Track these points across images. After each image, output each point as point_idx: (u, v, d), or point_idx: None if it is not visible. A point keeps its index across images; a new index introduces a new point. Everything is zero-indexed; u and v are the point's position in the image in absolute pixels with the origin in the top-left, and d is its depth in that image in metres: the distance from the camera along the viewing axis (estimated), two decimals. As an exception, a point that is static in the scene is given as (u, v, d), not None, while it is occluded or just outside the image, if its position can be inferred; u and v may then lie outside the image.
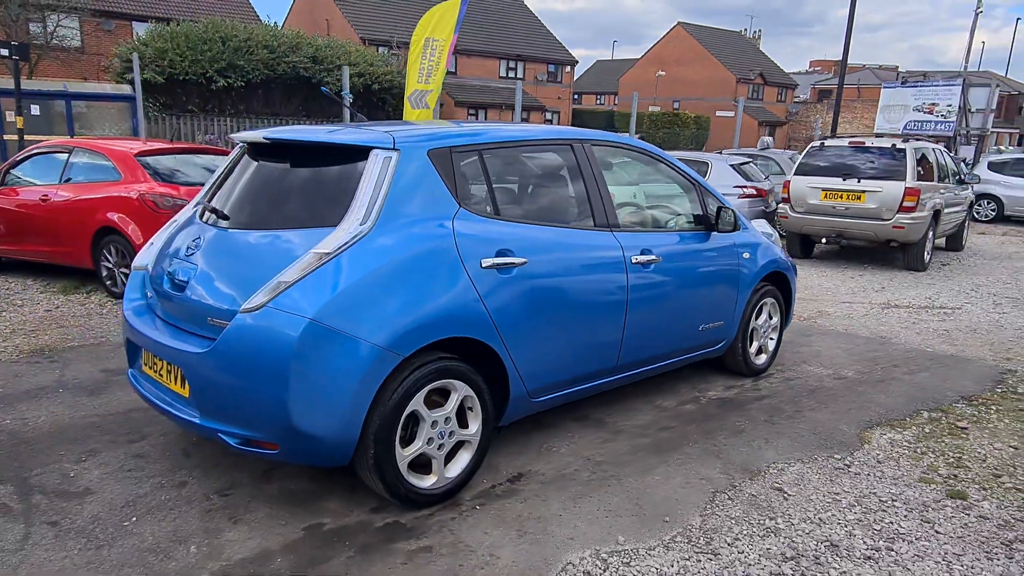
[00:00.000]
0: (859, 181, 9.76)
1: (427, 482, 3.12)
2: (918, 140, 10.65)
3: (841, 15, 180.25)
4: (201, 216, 3.45)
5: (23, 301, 6.71)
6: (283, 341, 2.69)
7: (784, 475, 3.60)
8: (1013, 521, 3.22)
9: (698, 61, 47.97)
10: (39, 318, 6.12)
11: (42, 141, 8.26)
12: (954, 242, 12.11)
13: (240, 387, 2.77)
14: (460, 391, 3.14)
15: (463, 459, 3.25)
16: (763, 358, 5.15)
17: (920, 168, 9.71)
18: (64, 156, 7.32)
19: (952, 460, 3.86)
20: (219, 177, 3.66)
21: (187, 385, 2.98)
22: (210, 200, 3.56)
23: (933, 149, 10.59)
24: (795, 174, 10.42)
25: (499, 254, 3.23)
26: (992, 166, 17.11)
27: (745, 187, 11.05)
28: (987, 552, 2.96)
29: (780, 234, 11.48)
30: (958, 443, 4.09)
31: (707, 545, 2.95)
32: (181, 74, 21.58)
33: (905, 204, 9.43)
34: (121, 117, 20.34)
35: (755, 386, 4.94)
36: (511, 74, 38.59)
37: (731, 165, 11.29)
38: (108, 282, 6.91)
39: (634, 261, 3.86)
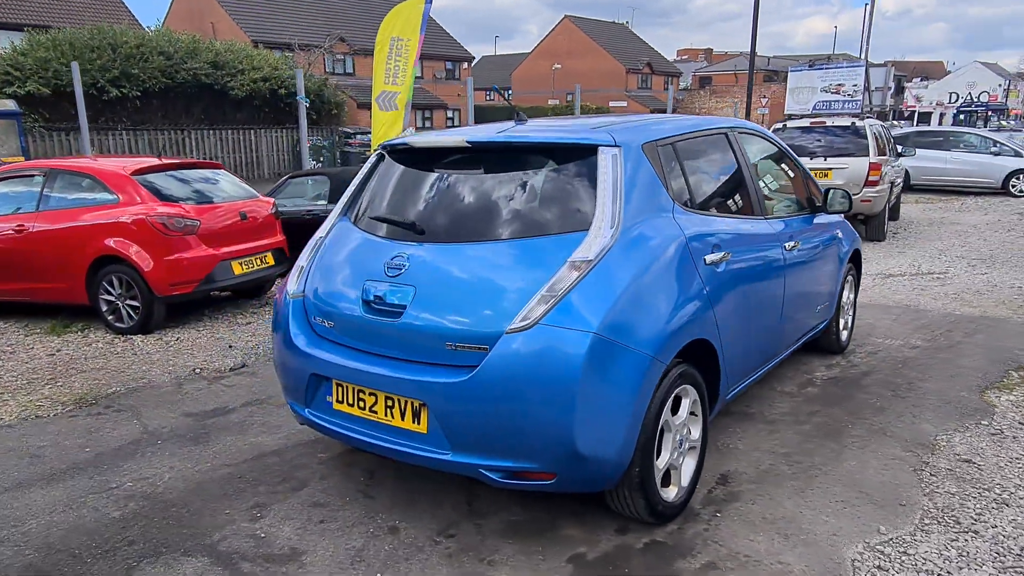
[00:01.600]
0: (825, 159, 10.23)
1: (671, 494, 2.97)
2: (867, 119, 11.29)
3: (698, 5, 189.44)
4: (372, 230, 3.12)
5: (12, 347, 5.89)
6: (568, 360, 2.45)
7: (956, 446, 3.68)
8: None
9: (588, 54, 49.02)
10: (46, 365, 5.39)
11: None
12: (893, 212, 12.95)
13: (513, 416, 2.51)
14: (691, 395, 3.00)
15: (689, 466, 3.11)
16: (846, 334, 5.27)
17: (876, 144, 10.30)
18: (39, 179, 6.49)
19: (1080, 414, 4.08)
20: (367, 187, 3.33)
21: (428, 420, 2.67)
22: (361, 212, 3.24)
23: (881, 126, 11.27)
24: (763, 156, 10.77)
25: (714, 249, 3.11)
26: (896, 140, 18.46)
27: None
28: None
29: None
30: (1068, 397, 4.32)
31: (958, 523, 2.96)
32: (68, 85, 19.79)
33: (870, 178, 9.97)
34: (6, 134, 18.43)
35: (849, 363, 5.05)
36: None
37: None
38: (111, 317, 6.18)
39: (787, 248, 3.85)
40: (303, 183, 8.71)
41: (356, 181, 3.48)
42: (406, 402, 2.74)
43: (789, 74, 20.62)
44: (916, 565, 2.67)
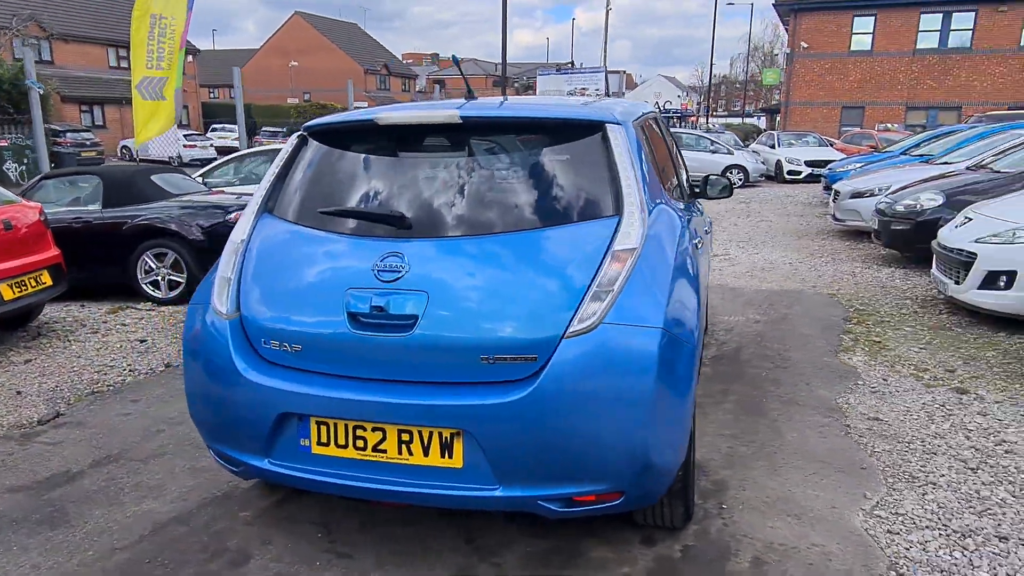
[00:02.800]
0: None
1: (693, 494, 2.81)
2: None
3: (416, 12, 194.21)
4: (330, 227, 2.52)
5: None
6: (641, 361, 2.16)
7: (857, 407, 4.03)
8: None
9: (322, 52, 47.35)
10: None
11: None
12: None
13: (580, 432, 2.15)
14: None
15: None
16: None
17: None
18: None
19: (914, 367, 4.71)
20: (291, 178, 2.71)
21: (464, 451, 2.21)
22: (297, 207, 2.63)
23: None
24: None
25: (692, 235, 3.02)
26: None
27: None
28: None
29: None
30: (894, 354, 4.99)
31: (914, 478, 3.20)
32: None
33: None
34: None
35: (717, 340, 5.35)
36: (123, 63, 33.48)
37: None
38: None
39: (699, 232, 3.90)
40: (62, 185, 7.12)
41: (273, 171, 2.81)
42: (431, 434, 2.24)
43: (538, 78, 21.92)
44: (915, 523, 2.82)
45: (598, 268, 2.26)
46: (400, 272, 2.31)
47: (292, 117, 36.34)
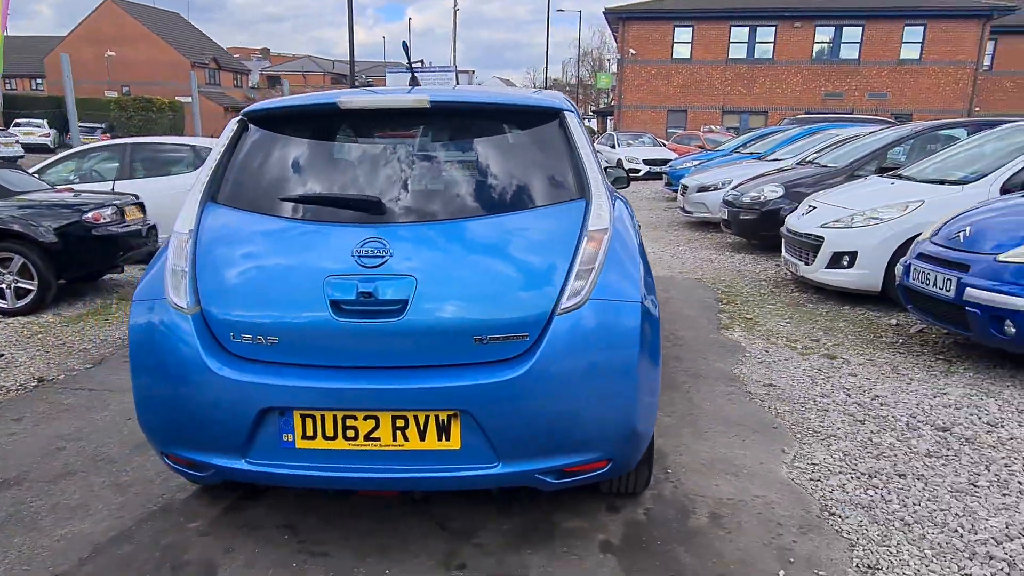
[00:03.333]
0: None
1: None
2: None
3: (240, 4, 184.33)
4: (291, 214, 2.43)
5: None
6: (627, 333, 2.30)
7: (752, 375, 4.45)
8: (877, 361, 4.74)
9: (142, 42, 43.65)
10: None
11: None
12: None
13: (575, 404, 2.25)
14: None
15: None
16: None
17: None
18: None
19: (786, 339, 5.27)
20: (233, 164, 2.59)
21: (460, 432, 2.23)
22: (250, 194, 2.53)
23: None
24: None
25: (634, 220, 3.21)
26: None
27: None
28: (893, 377, 4.37)
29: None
30: (766, 329, 5.55)
31: (816, 432, 3.61)
32: None
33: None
34: None
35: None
36: None
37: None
38: None
39: None
40: None
41: (215, 158, 2.66)
42: (427, 417, 2.24)
43: (387, 75, 21.62)
44: (830, 470, 3.19)
45: (576, 248, 2.37)
46: (383, 257, 2.28)
47: (111, 111, 33.25)
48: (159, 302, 2.38)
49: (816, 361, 4.74)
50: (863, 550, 2.57)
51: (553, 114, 2.66)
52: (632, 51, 34.24)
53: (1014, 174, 5.94)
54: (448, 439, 2.25)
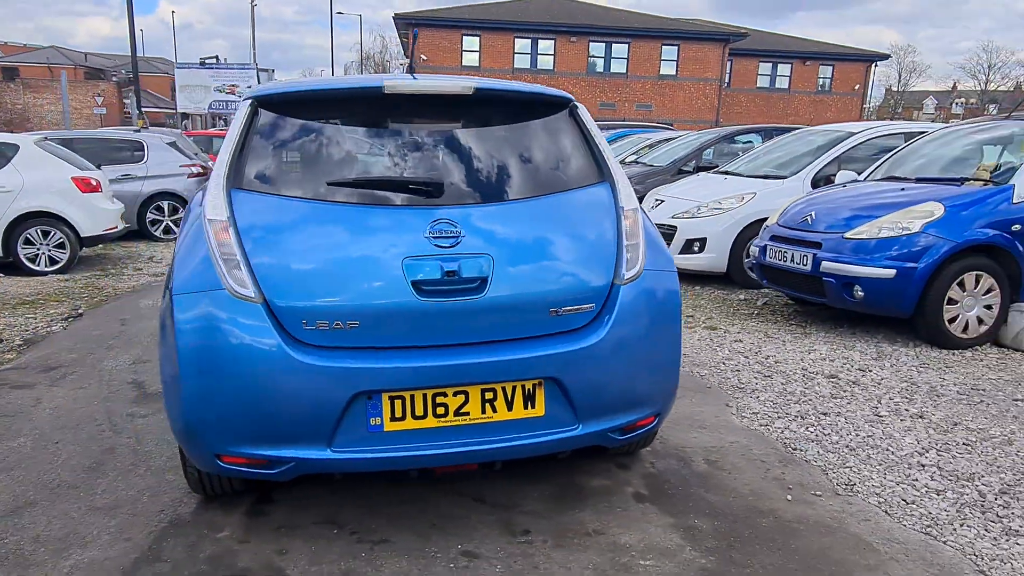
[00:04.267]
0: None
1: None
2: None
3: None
4: (343, 199, 2.40)
5: None
6: (673, 298, 2.59)
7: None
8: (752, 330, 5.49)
9: None
10: None
11: None
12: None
13: (638, 366, 2.48)
14: None
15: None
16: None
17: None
18: None
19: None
20: (255, 148, 2.49)
21: (545, 399, 2.36)
22: (285, 179, 2.46)
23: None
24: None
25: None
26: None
27: (192, 166, 10.46)
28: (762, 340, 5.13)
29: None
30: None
31: (741, 389, 4.16)
32: None
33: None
34: None
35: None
36: None
37: (168, 143, 10.43)
38: None
39: None
40: None
41: (232, 144, 2.51)
42: (515, 388, 2.34)
43: (176, 71, 19.98)
44: (769, 416, 3.73)
45: (617, 225, 2.60)
46: (457, 238, 2.34)
47: None
48: (215, 293, 2.22)
49: (702, 332, 5.37)
50: (834, 473, 3.08)
51: (567, 103, 2.85)
52: (423, 57, 34.66)
53: (819, 170, 7.15)
54: (534, 407, 2.37)
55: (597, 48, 36.48)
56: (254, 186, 2.45)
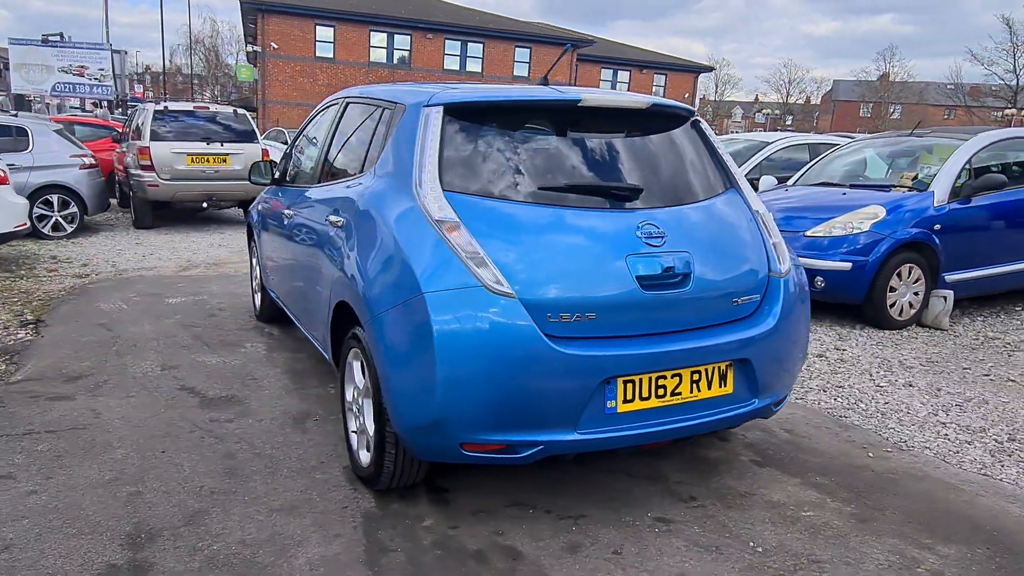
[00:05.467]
0: (222, 144, 10.16)
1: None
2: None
3: None
4: (552, 202, 2.61)
5: None
6: (806, 286, 3.03)
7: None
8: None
9: None
10: None
11: None
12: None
13: (794, 345, 2.89)
14: None
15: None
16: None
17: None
18: None
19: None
20: (451, 154, 2.65)
21: (733, 378, 2.70)
22: (496, 185, 2.64)
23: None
24: (151, 140, 9.80)
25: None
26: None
27: (82, 156, 9.55)
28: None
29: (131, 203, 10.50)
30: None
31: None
32: None
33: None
34: None
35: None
36: None
37: (55, 131, 9.44)
38: None
39: None
40: None
41: (431, 148, 2.63)
42: (713, 369, 2.66)
43: (11, 47, 17.74)
44: (797, 387, 4.30)
45: (757, 225, 2.99)
46: (663, 237, 2.63)
47: None
48: (473, 290, 2.34)
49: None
50: (886, 434, 3.68)
51: (691, 115, 3.20)
52: (274, 45, 33.19)
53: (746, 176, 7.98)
54: (725, 385, 2.70)
55: (453, 46, 36.80)
56: (460, 188, 2.58)
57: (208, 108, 10.55)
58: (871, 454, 3.42)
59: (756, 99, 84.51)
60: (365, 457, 2.86)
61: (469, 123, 2.72)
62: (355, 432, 2.99)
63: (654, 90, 43.82)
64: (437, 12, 36.60)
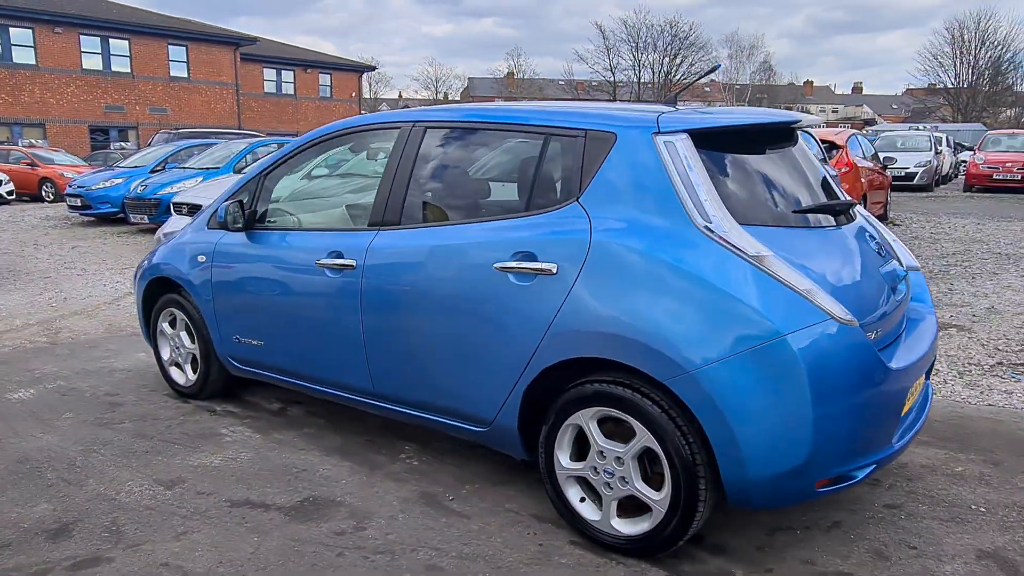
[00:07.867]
0: None
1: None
2: None
3: None
4: (809, 224, 2.64)
5: None
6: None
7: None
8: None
9: None
10: None
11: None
12: None
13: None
14: None
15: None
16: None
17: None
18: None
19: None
20: (714, 181, 2.55)
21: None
22: (757, 208, 2.61)
23: None
24: None
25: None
26: None
27: None
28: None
29: None
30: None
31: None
32: None
33: None
34: None
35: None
36: None
37: None
38: None
39: None
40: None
41: (693, 181, 2.45)
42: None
43: None
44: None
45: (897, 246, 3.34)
46: (883, 247, 2.85)
47: None
48: (826, 323, 2.27)
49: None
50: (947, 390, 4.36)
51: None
52: None
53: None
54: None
55: (90, 43, 31.61)
56: (742, 220, 2.46)
57: None
58: (963, 408, 4.05)
59: (400, 95, 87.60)
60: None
61: (714, 150, 2.57)
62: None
63: (320, 90, 43.00)
64: (64, 3, 31.04)
